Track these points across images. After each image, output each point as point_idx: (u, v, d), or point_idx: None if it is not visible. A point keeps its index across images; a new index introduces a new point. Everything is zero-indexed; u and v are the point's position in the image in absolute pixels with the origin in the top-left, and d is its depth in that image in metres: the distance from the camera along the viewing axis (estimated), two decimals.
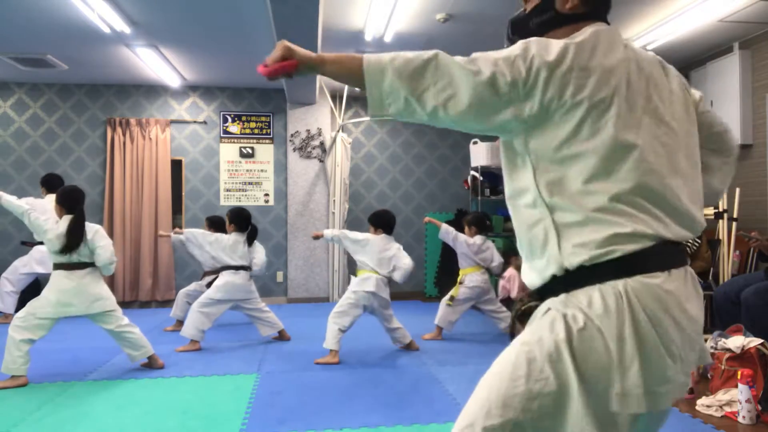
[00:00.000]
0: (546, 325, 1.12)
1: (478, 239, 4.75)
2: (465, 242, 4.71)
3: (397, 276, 4.15)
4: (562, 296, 1.13)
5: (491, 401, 1.11)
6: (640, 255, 1.08)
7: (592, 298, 1.08)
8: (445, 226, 4.74)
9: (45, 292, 3.57)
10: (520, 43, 1.12)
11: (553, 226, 1.14)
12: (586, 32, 1.16)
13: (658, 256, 1.10)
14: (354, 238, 4.24)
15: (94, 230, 3.67)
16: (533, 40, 1.12)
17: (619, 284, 1.07)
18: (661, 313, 1.07)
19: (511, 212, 1.26)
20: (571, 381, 1.07)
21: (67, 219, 3.59)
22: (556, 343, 1.08)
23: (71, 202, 3.64)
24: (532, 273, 1.22)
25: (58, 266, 3.58)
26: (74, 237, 3.55)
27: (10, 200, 3.64)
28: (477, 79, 1.08)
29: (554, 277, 1.15)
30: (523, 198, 1.19)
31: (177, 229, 5.01)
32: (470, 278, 4.70)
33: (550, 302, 1.15)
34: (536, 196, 1.15)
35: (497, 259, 4.83)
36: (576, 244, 1.11)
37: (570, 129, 1.09)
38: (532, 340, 1.13)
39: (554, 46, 1.10)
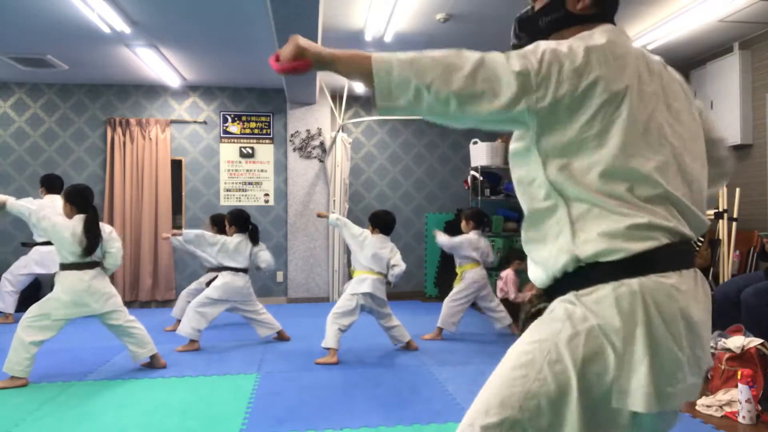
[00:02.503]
0: (548, 325, 1.13)
1: (473, 234, 4.78)
2: (464, 241, 4.74)
3: (391, 276, 4.20)
4: (571, 295, 1.12)
5: (490, 400, 1.12)
6: (655, 253, 1.08)
7: (603, 296, 1.08)
8: (439, 238, 4.78)
9: (57, 293, 3.49)
10: (533, 44, 1.13)
11: (567, 216, 1.13)
12: (597, 31, 1.18)
13: (672, 256, 1.10)
14: (353, 231, 4.30)
15: (108, 231, 3.70)
16: (544, 42, 1.14)
17: (634, 282, 1.06)
18: (675, 314, 1.06)
19: (521, 200, 1.24)
20: (570, 382, 1.07)
21: (80, 218, 3.56)
22: (557, 344, 1.09)
23: (83, 200, 3.62)
24: (539, 269, 1.21)
25: (68, 266, 3.52)
26: (94, 236, 3.54)
27: (15, 203, 3.60)
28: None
29: (565, 274, 1.14)
30: (534, 188, 1.18)
31: (175, 231, 4.97)
32: (469, 274, 4.74)
33: (557, 302, 1.15)
34: (548, 187, 1.14)
35: (491, 255, 4.89)
36: (590, 235, 1.11)
37: (583, 122, 1.10)
38: (533, 340, 1.13)
39: (566, 42, 1.13)
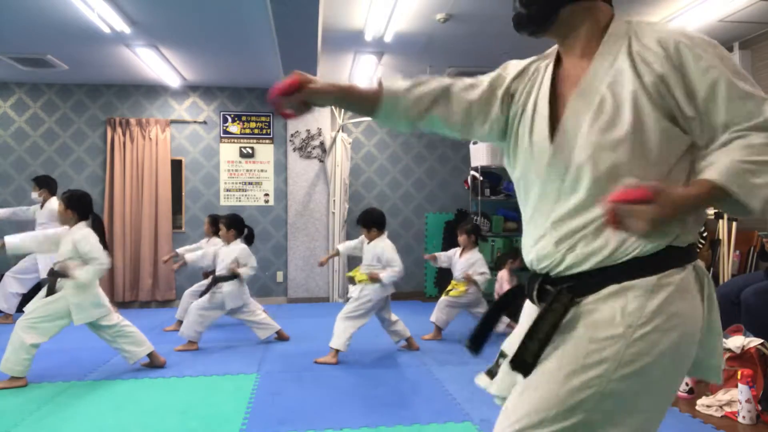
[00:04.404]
0: (615, 320, 1.07)
1: (478, 252, 4.81)
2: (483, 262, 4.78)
3: (385, 276, 4.06)
4: (638, 281, 1.08)
5: (555, 403, 1.05)
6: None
7: (679, 278, 1.10)
8: (482, 277, 4.72)
9: (78, 297, 3.49)
10: None
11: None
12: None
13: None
14: (352, 245, 4.43)
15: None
16: None
17: (690, 266, 1.13)
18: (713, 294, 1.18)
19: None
20: (650, 375, 1.06)
21: (81, 225, 3.58)
22: (633, 338, 1.05)
23: (85, 208, 3.65)
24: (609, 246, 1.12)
25: None
26: (104, 244, 3.62)
27: (21, 244, 3.60)
28: None
29: (642, 258, 1.10)
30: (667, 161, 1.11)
31: (178, 262, 4.95)
32: (471, 287, 4.75)
33: (615, 295, 1.10)
34: (689, 165, 1.13)
35: (487, 273, 4.79)
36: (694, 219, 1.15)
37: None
38: (598, 337, 1.07)
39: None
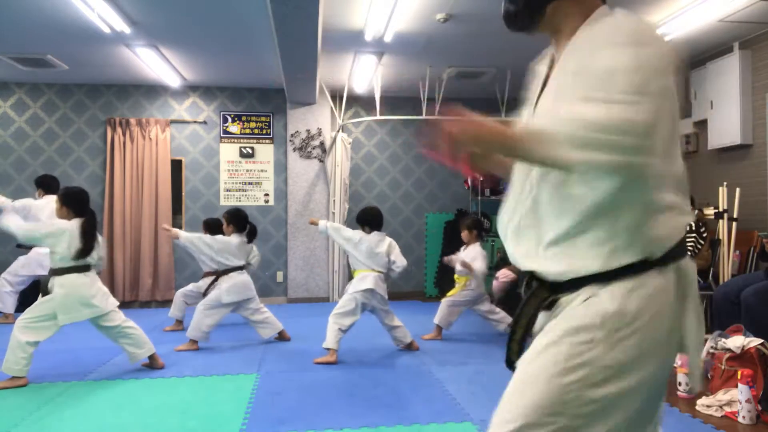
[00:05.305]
0: (598, 321, 1.06)
1: (480, 246, 4.78)
2: (483, 257, 4.71)
3: (393, 273, 4.25)
4: (615, 286, 1.07)
5: (539, 407, 1.05)
6: (683, 239, 1.15)
7: (653, 282, 1.09)
8: (478, 267, 4.59)
9: (62, 296, 3.46)
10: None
11: (645, 209, 1.08)
12: (642, 21, 1.08)
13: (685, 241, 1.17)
14: (346, 235, 4.29)
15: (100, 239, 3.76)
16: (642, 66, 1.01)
17: (672, 267, 1.11)
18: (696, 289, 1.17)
19: (570, 190, 1.10)
20: (629, 380, 1.05)
21: (76, 222, 3.57)
22: (613, 344, 1.05)
23: (80, 204, 3.64)
24: (587, 259, 1.10)
25: (68, 270, 3.51)
26: (90, 240, 3.56)
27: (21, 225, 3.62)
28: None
29: (621, 266, 1.08)
30: (609, 181, 1.07)
31: (175, 231, 4.89)
32: (474, 282, 4.73)
33: (592, 290, 1.09)
34: (645, 182, 1.07)
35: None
36: (659, 227, 1.09)
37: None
38: (584, 340, 1.06)
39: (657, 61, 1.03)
